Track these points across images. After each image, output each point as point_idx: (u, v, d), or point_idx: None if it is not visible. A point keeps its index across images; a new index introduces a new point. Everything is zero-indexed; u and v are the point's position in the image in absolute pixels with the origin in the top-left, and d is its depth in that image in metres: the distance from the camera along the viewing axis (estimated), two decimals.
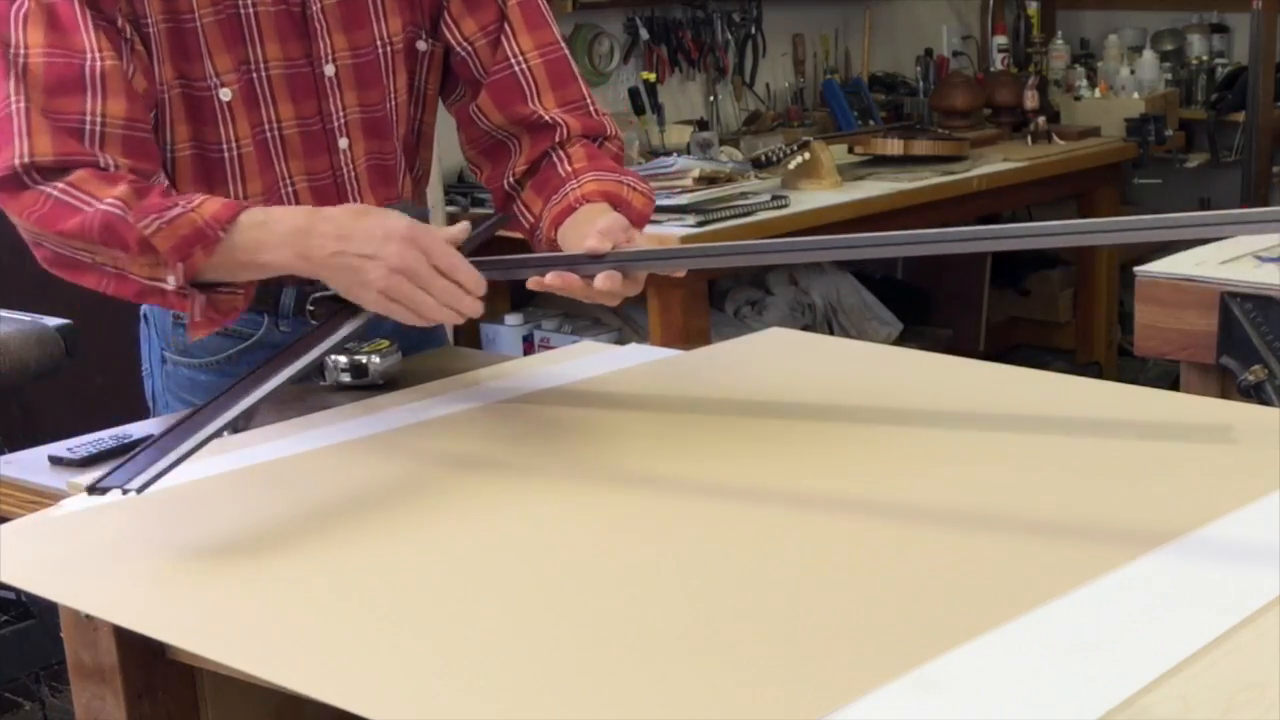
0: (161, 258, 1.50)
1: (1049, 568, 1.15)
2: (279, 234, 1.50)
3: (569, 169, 1.72)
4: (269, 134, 1.67)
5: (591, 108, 1.79)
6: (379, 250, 1.46)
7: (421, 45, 1.76)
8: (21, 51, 1.53)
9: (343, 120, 1.71)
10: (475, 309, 1.49)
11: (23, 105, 1.52)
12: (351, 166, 1.73)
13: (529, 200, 1.76)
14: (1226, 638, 1.02)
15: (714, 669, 1.01)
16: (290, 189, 1.70)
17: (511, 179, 1.78)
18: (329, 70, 1.68)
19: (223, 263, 1.51)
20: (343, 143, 1.71)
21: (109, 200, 1.50)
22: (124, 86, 1.55)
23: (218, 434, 1.37)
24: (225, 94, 1.62)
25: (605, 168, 1.72)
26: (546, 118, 1.74)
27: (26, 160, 1.51)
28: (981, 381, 1.68)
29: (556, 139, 1.74)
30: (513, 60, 1.75)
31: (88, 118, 1.53)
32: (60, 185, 1.51)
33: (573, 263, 1.50)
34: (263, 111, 1.66)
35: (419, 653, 1.05)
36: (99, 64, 1.53)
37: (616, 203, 1.65)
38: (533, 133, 1.76)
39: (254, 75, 1.65)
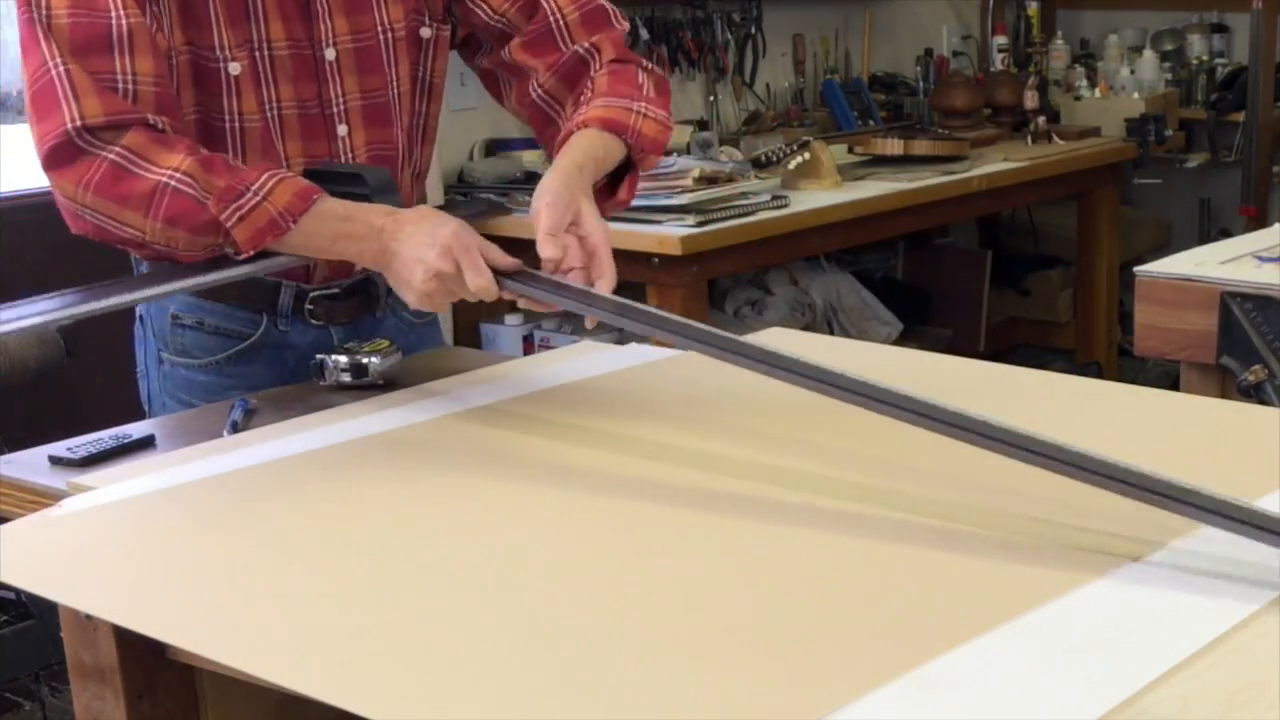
0: (233, 242, 1.53)
1: (1050, 567, 1.15)
2: (341, 232, 1.55)
3: (590, 91, 1.74)
4: (270, 114, 1.67)
5: (628, 42, 1.79)
6: (424, 257, 1.49)
7: (425, 32, 1.76)
8: (45, 11, 1.52)
9: (342, 106, 1.71)
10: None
11: (63, 68, 1.51)
12: (351, 155, 1.72)
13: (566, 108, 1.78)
14: (1226, 638, 1.02)
15: (714, 669, 1.01)
16: None
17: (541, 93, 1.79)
18: (329, 54, 1.68)
19: (287, 245, 1.56)
20: (341, 130, 1.71)
21: (172, 172, 1.51)
22: (150, 43, 1.55)
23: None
24: (234, 68, 1.63)
25: (623, 93, 1.72)
26: (580, 49, 1.75)
27: (79, 123, 1.50)
28: (981, 381, 1.68)
29: (593, 69, 1.76)
30: (551, 17, 1.76)
31: (119, 76, 1.52)
32: (116, 149, 1.51)
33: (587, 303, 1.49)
34: (265, 91, 1.66)
35: (419, 653, 1.05)
36: (125, 21, 1.53)
37: (621, 130, 1.68)
38: (576, 72, 1.76)
39: (257, 54, 1.65)
